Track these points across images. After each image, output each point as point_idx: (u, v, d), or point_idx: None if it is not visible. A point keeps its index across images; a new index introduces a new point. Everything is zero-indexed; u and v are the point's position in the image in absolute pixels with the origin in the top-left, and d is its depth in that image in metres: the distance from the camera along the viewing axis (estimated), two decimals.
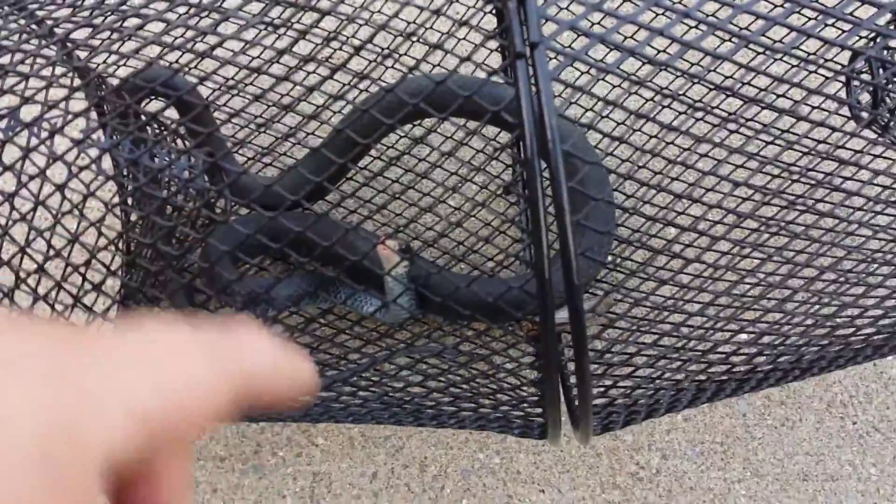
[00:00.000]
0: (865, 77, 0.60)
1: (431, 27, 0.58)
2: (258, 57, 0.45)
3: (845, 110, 0.72)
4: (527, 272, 0.72)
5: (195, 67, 0.48)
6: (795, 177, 0.61)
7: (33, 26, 0.49)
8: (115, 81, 0.60)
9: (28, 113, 0.45)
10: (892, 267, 0.49)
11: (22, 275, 0.46)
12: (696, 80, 0.36)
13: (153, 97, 0.62)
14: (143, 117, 0.53)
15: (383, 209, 0.72)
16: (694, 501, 0.70)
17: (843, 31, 0.61)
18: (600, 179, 0.61)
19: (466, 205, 0.76)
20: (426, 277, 0.61)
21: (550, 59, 0.37)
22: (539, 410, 0.47)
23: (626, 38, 0.70)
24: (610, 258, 0.67)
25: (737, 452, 0.72)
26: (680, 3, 0.65)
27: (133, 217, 0.57)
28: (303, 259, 0.42)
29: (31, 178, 0.44)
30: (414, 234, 0.75)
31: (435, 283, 0.57)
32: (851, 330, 0.50)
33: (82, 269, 0.48)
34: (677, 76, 0.69)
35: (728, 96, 0.66)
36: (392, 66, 0.75)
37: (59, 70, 0.45)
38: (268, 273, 0.69)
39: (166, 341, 0.19)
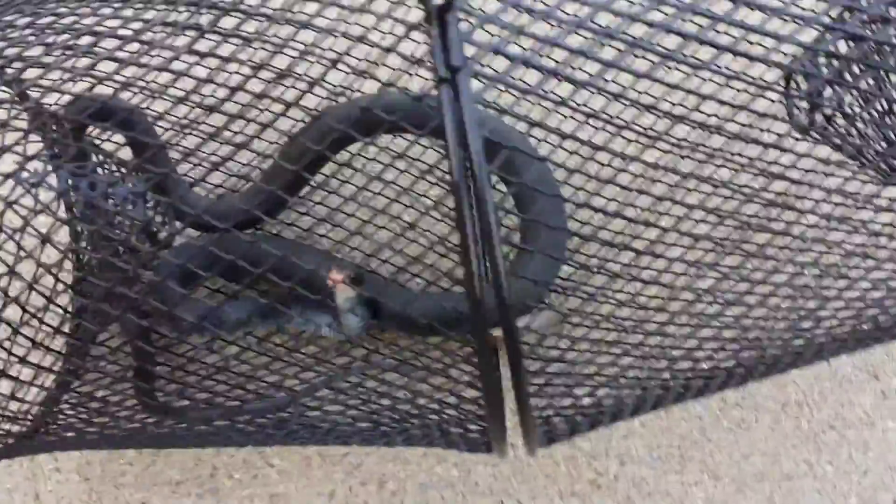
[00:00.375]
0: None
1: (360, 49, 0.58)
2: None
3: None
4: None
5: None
6: (738, 196, 0.62)
7: None
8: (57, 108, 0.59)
9: None
10: (847, 280, 0.50)
11: None
12: (620, 100, 0.37)
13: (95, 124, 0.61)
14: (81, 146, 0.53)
15: (318, 234, 0.72)
16: None
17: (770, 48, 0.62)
18: (554, 205, 0.61)
19: (402, 221, 0.76)
20: (380, 292, 0.62)
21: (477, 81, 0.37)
22: (481, 426, 0.48)
23: (554, 59, 0.70)
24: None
25: (693, 455, 0.73)
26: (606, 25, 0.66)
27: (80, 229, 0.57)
28: (248, 280, 0.42)
29: None
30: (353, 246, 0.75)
31: (388, 300, 0.58)
32: (803, 341, 0.50)
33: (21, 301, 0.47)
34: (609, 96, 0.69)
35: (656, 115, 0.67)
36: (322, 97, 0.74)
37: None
38: (219, 295, 0.68)
39: None
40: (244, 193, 0.64)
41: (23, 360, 0.50)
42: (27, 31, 0.48)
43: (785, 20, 0.49)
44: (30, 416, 0.57)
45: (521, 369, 0.40)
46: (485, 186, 0.37)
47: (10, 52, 0.49)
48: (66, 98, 0.53)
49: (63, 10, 0.50)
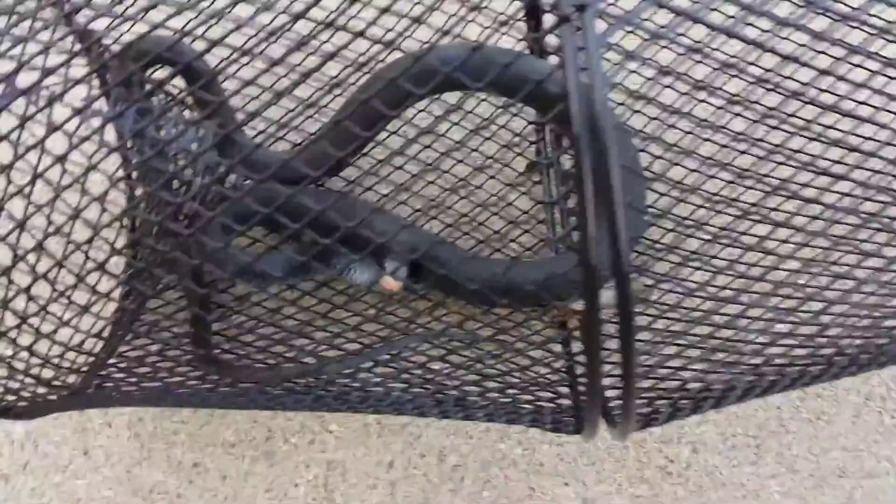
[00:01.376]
0: None
1: None
2: (271, 23, 0.41)
3: None
4: (551, 255, 0.69)
5: (204, 34, 0.45)
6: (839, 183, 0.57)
7: None
8: (117, 47, 0.56)
9: (26, 80, 0.42)
10: None
11: (20, 252, 0.43)
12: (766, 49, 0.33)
13: (159, 65, 0.58)
14: (147, 86, 0.50)
15: (404, 189, 0.69)
16: (725, 497, 0.67)
17: None
18: (636, 158, 0.58)
19: (489, 184, 0.73)
20: (448, 261, 0.58)
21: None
22: (572, 406, 0.44)
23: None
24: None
25: (770, 447, 0.69)
26: None
27: (138, 192, 0.54)
28: (286, 234, 0.39)
29: (29, 148, 0.41)
30: (434, 214, 0.71)
31: (466, 269, 0.54)
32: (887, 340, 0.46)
33: (85, 247, 0.44)
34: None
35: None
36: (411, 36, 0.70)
37: (58, 33, 0.42)
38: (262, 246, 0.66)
39: None
40: (319, 139, 0.61)
41: (85, 310, 0.47)
42: None
43: None
44: (84, 369, 0.55)
45: (631, 346, 0.36)
46: (611, 138, 0.33)
47: None
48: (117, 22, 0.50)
49: None
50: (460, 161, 0.71)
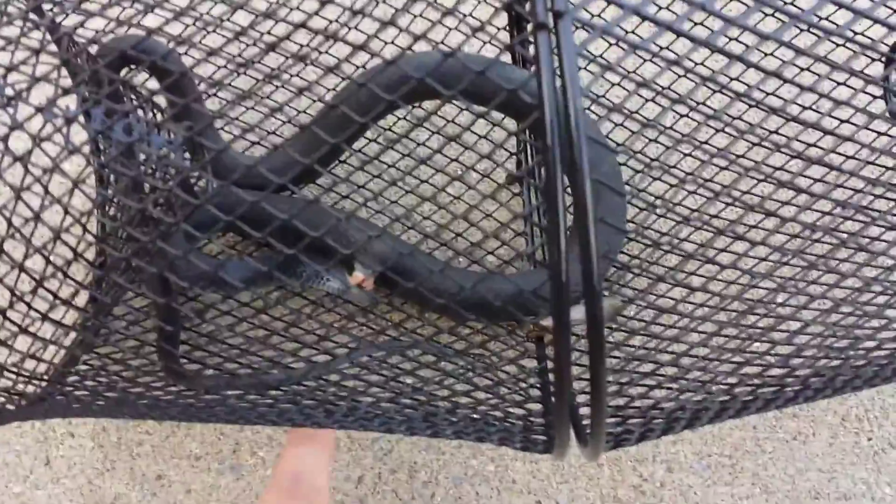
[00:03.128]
0: None
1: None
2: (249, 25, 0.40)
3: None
4: (529, 269, 0.68)
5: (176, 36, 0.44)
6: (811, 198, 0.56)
7: None
8: (86, 43, 0.55)
9: None
10: None
11: None
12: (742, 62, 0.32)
13: (130, 66, 0.56)
14: (117, 84, 0.48)
15: (378, 196, 0.68)
16: None
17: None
18: (615, 173, 0.57)
19: (468, 195, 0.72)
20: (418, 273, 0.57)
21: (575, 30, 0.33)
22: (543, 424, 0.43)
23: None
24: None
25: (746, 467, 0.68)
26: None
27: (104, 195, 0.52)
28: (259, 237, 0.37)
29: None
30: (410, 224, 0.70)
31: (436, 281, 0.53)
32: (864, 363, 0.46)
33: (46, 251, 0.43)
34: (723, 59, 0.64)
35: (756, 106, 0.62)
36: (390, 42, 0.70)
37: (26, 27, 0.40)
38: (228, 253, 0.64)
39: None
40: (289, 145, 0.60)
41: (45, 317, 0.46)
42: None
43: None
44: (45, 378, 0.53)
45: (601, 361, 0.35)
46: (584, 152, 0.32)
47: None
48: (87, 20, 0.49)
49: None
50: (438, 171, 0.70)
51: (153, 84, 0.64)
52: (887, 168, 0.55)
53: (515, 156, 0.75)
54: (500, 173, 0.74)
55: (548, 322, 0.60)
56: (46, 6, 0.51)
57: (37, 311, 0.45)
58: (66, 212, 0.46)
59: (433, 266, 0.58)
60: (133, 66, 0.55)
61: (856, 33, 0.37)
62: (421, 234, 0.69)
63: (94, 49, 0.54)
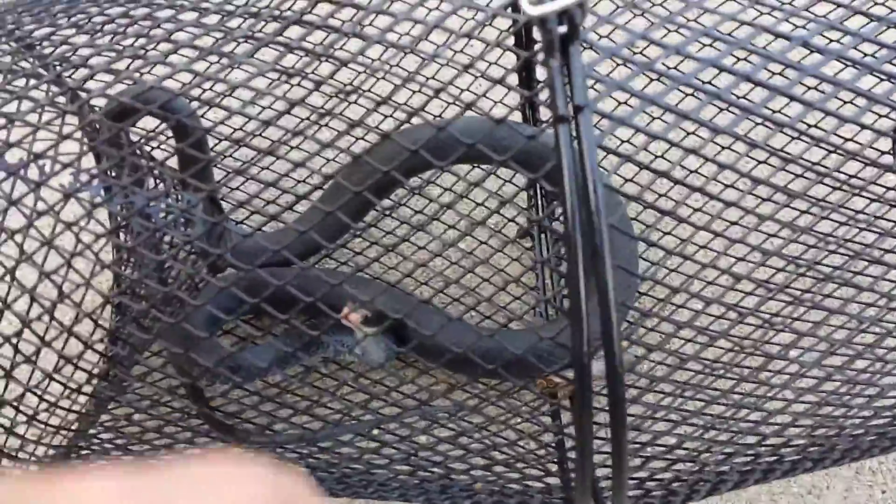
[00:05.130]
0: None
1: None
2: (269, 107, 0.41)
3: None
4: (542, 323, 0.68)
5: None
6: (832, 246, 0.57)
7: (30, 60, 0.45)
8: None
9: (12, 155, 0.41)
10: None
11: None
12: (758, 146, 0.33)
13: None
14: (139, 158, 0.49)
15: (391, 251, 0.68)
16: None
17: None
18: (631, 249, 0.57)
19: (480, 250, 0.72)
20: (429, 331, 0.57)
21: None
22: (561, 485, 0.43)
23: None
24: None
25: None
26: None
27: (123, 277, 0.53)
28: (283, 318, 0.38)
29: (14, 232, 0.40)
30: (422, 280, 0.71)
31: (446, 336, 0.53)
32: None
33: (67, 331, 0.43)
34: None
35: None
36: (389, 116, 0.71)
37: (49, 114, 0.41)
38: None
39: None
40: (302, 222, 0.61)
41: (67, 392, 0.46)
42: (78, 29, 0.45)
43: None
44: (62, 442, 0.54)
45: (623, 419, 0.36)
46: (605, 242, 0.33)
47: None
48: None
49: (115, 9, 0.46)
50: (451, 227, 0.71)
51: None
52: None
53: (527, 210, 0.76)
54: (513, 228, 0.74)
55: (555, 378, 0.60)
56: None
57: (51, 376, 0.45)
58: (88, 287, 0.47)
59: (441, 320, 0.59)
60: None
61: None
62: (435, 289, 0.70)
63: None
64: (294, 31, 0.41)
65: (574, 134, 0.33)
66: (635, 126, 0.33)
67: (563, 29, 0.33)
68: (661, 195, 0.69)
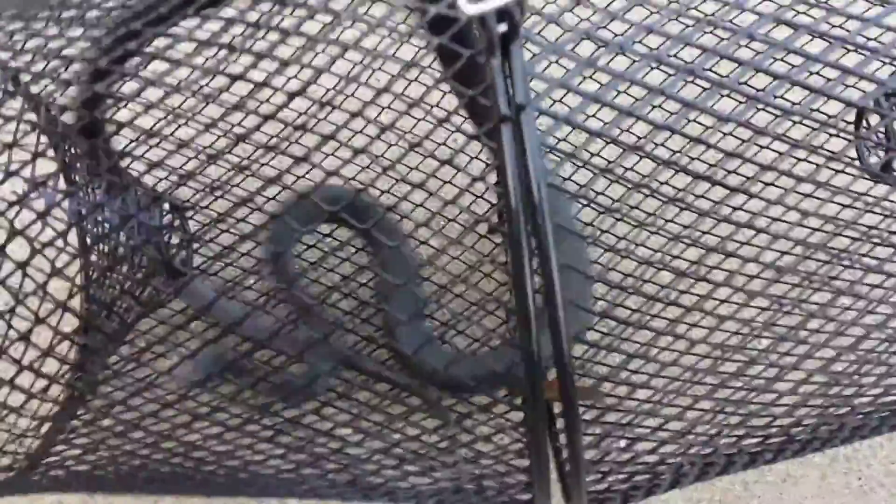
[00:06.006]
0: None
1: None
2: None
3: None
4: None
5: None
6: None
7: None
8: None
9: None
10: None
11: None
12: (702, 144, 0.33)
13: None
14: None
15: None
16: None
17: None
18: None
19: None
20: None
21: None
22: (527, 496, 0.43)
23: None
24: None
25: None
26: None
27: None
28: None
29: None
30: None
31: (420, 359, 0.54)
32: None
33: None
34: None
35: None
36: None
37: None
38: None
39: None
40: None
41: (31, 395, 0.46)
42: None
43: (857, 52, 0.45)
44: (30, 449, 0.53)
45: (576, 420, 0.36)
46: (550, 243, 0.33)
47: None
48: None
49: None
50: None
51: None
52: None
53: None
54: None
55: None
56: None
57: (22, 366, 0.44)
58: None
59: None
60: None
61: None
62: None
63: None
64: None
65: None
66: (577, 124, 0.33)
67: (503, 27, 0.33)
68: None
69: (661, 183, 0.43)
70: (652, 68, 0.36)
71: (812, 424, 0.46)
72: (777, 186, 0.38)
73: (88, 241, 0.47)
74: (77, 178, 0.45)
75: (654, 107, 0.64)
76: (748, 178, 0.34)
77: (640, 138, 0.34)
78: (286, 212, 0.62)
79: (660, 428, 0.39)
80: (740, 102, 0.34)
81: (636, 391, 0.39)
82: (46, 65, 0.42)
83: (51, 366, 0.45)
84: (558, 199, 0.45)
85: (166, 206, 0.50)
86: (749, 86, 0.35)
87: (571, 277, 0.36)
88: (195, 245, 0.54)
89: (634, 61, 0.34)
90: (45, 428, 0.54)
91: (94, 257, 0.50)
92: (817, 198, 0.46)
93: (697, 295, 0.58)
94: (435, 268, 0.63)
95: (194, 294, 0.69)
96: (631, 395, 0.39)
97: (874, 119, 0.57)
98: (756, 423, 0.43)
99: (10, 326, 0.42)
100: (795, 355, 0.40)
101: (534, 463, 0.37)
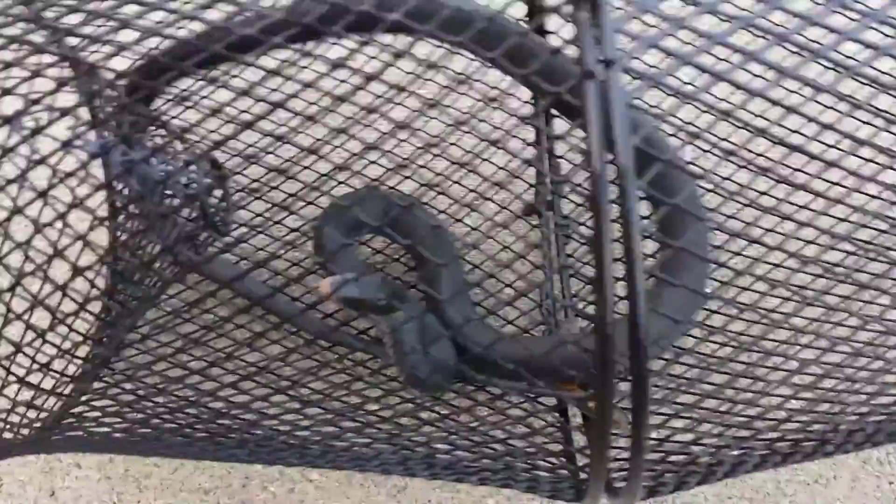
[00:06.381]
0: None
1: None
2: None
3: None
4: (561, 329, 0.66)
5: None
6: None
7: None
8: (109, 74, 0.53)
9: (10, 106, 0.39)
10: None
11: None
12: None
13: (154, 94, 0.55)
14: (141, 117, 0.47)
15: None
16: None
17: None
18: (701, 233, 0.52)
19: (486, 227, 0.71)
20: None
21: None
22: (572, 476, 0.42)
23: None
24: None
25: None
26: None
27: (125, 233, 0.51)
28: None
29: (8, 181, 0.38)
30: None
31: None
32: None
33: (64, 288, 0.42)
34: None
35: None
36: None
37: (47, 59, 0.39)
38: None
39: None
40: None
41: (63, 352, 0.45)
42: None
43: None
44: (53, 408, 0.52)
45: (644, 417, 0.34)
46: (633, 206, 0.31)
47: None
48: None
49: None
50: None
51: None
52: None
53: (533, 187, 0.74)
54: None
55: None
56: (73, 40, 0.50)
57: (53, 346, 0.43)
58: (85, 246, 0.45)
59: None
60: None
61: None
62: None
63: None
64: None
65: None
66: (666, 86, 0.32)
67: None
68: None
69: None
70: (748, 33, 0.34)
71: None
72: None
73: (129, 197, 0.46)
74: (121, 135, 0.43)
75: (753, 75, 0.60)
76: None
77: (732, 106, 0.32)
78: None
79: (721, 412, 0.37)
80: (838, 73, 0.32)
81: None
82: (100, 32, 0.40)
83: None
84: (679, 177, 0.43)
85: (207, 167, 0.49)
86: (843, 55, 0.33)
87: (690, 262, 0.34)
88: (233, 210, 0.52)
89: (726, 22, 0.33)
90: (68, 389, 0.52)
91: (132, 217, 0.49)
92: None
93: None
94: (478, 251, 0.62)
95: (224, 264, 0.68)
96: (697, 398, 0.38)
97: None
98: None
99: (46, 278, 0.40)
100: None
101: (596, 446, 0.36)
